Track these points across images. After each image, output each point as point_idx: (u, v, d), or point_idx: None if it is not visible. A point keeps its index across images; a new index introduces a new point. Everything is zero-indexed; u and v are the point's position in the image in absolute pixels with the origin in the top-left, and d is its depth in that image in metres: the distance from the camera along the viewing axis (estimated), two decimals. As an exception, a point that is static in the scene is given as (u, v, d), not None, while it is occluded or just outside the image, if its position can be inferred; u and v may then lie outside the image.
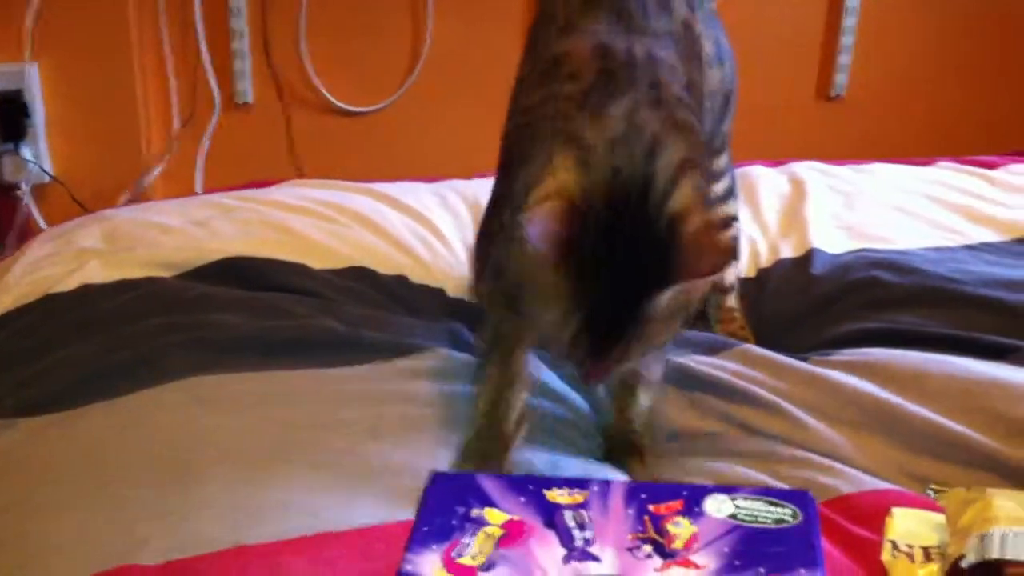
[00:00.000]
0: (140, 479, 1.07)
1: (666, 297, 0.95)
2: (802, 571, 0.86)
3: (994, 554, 0.90)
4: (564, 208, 0.94)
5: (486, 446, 1.13)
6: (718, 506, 0.94)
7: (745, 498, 0.95)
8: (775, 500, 0.94)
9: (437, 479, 0.97)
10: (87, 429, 1.17)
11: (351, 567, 0.95)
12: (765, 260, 1.68)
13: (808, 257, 1.65)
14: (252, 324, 1.35)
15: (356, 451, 1.12)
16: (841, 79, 2.81)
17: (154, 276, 1.48)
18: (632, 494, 0.95)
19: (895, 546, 0.99)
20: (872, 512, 1.05)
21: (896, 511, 1.04)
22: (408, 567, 0.87)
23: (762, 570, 0.86)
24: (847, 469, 1.14)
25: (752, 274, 1.65)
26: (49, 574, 0.96)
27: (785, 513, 0.93)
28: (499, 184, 1.19)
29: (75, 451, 1.13)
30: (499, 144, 1.21)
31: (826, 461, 1.16)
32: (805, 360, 1.34)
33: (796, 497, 0.95)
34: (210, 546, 0.97)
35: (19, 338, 1.37)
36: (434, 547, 0.88)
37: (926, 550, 0.98)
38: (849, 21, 2.72)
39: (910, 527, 1.02)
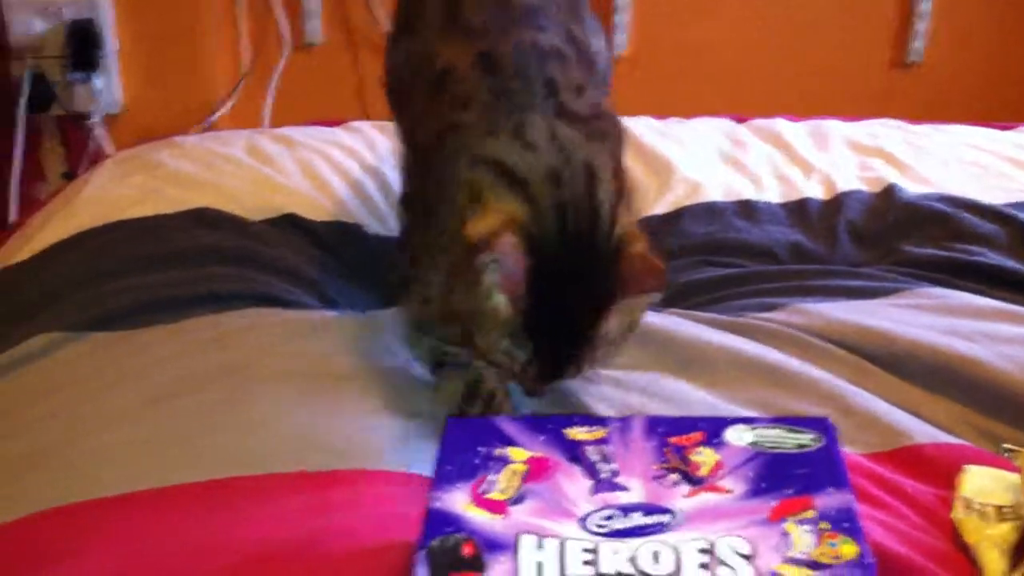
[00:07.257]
0: (196, 398, 1.09)
1: (617, 317, 1.01)
2: (831, 489, 0.87)
3: (1071, 514, 0.88)
4: (520, 241, 0.97)
5: None
6: (739, 435, 0.94)
7: (765, 427, 0.96)
8: (795, 427, 0.95)
9: (452, 423, 0.98)
10: (148, 345, 1.20)
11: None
12: (842, 187, 1.67)
13: (888, 190, 1.64)
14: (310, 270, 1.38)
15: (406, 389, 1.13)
16: (918, 45, 2.76)
17: (222, 211, 1.50)
18: (651, 428, 0.96)
19: (967, 504, 0.97)
20: (944, 466, 1.02)
21: (970, 468, 1.01)
22: (436, 504, 0.86)
23: (789, 491, 0.87)
24: (916, 419, 1.11)
25: (829, 197, 1.64)
26: (101, 486, 0.97)
27: (806, 438, 0.93)
28: (417, 202, 1.19)
29: (136, 366, 1.16)
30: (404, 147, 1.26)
31: (893, 409, 1.12)
32: (877, 292, 1.32)
33: (815, 423, 0.95)
34: (262, 467, 0.98)
35: (93, 258, 1.40)
36: (459, 484, 0.88)
37: (999, 509, 0.95)
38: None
39: (983, 485, 0.99)
